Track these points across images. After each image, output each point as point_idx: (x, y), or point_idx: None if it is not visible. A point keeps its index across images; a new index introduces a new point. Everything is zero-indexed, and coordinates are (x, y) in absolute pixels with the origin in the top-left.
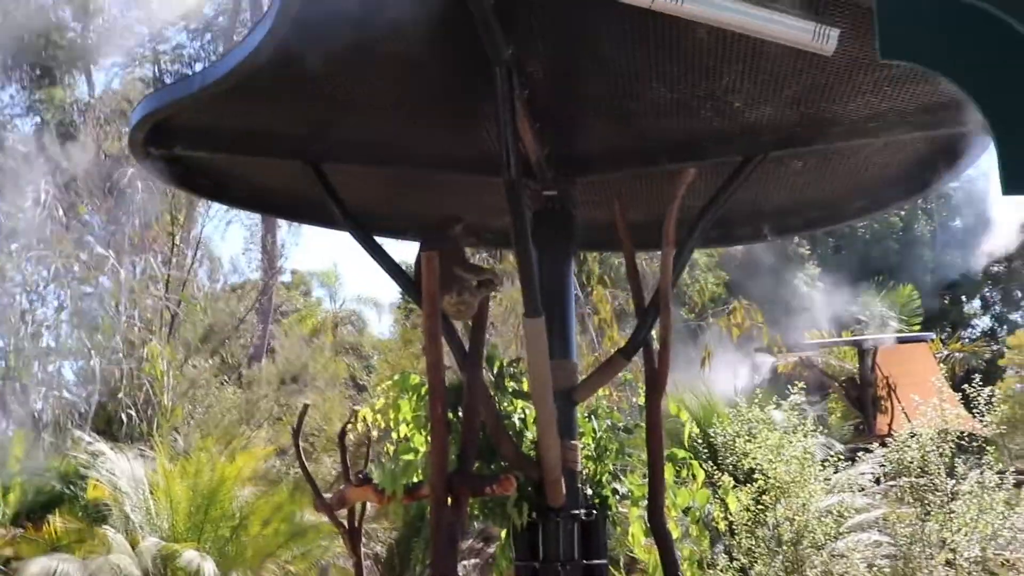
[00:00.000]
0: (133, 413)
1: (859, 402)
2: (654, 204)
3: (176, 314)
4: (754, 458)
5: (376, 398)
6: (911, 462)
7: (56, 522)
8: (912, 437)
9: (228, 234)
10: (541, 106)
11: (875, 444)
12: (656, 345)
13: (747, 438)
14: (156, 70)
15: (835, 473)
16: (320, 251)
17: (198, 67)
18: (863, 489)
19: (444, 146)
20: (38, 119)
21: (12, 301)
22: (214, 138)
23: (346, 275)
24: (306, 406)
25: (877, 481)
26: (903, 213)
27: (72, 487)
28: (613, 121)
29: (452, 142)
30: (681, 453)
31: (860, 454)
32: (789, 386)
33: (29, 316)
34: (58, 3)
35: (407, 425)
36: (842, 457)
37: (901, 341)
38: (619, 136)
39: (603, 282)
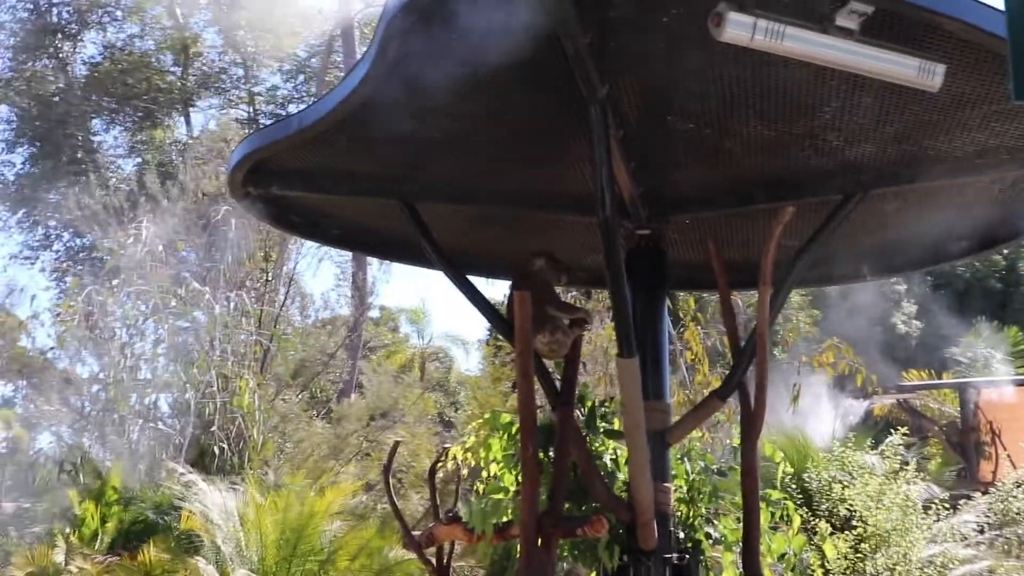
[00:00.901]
0: (225, 446)
1: (960, 447)
2: (750, 243)
3: (268, 349)
4: (852, 504)
5: (465, 436)
6: (1018, 512)
7: (150, 551)
8: (1018, 487)
9: (320, 271)
10: (635, 145)
11: (978, 492)
12: (752, 386)
13: (844, 483)
14: (251, 111)
15: (937, 521)
16: (408, 289)
17: (292, 108)
18: (966, 539)
19: (536, 185)
20: (139, 159)
21: (113, 335)
22: (309, 178)
23: (433, 312)
24: (396, 443)
25: (981, 531)
26: (1006, 252)
27: (166, 518)
28: (708, 159)
29: (545, 181)
30: (776, 494)
31: (962, 502)
32: (892, 430)
33: (128, 349)
34: (159, 47)
35: (497, 464)
36: (945, 505)
37: (1006, 384)
38: (713, 174)
39: (696, 320)
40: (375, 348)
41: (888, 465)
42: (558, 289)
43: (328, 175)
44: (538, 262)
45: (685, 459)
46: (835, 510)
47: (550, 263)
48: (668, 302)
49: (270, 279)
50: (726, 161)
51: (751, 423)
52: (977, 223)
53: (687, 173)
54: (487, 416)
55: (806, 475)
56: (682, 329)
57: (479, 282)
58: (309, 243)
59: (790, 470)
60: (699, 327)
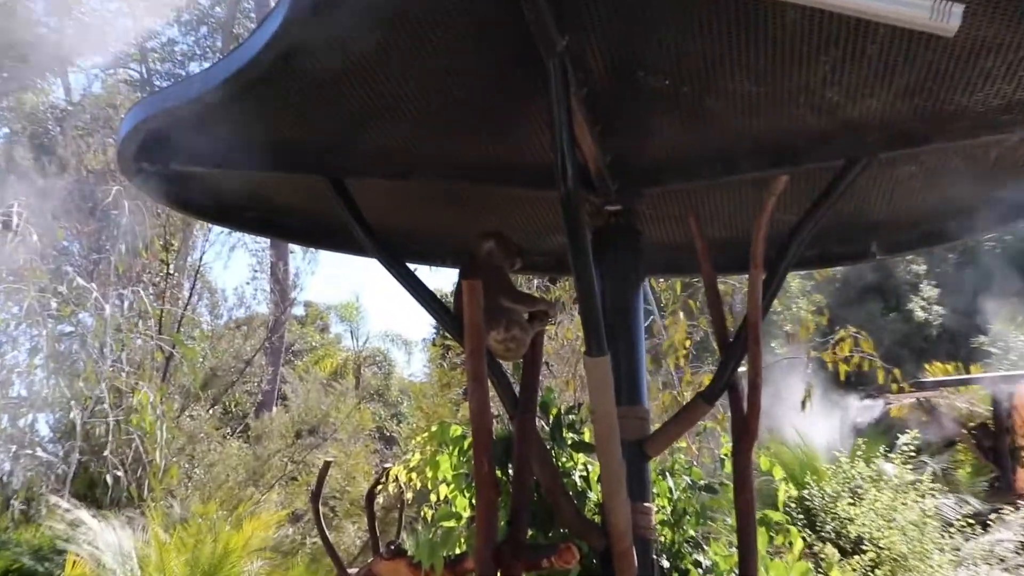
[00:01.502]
0: (120, 474)
1: (994, 453)
2: (738, 219)
3: (171, 356)
4: (862, 524)
5: (409, 453)
6: None
7: None
8: None
9: (232, 262)
10: (602, 106)
11: (1015, 504)
12: (744, 386)
13: (851, 499)
14: (144, 71)
15: (966, 541)
16: (339, 281)
17: (194, 67)
18: (1003, 561)
19: (487, 156)
20: (6, 130)
21: None
22: (217, 150)
23: (369, 308)
24: (327, 463)
25: (1020, 550)
26: None
27: (47, 564)
28: (686, 121)
29: (496, 151)
30: (776, 516)
31: (996, 517)
32: (905, 432)
33: None
34: None
35: (447, 485)
36: (971, 522)
37: None
38: (694, 139)
39: (687, 310)
40: (300, 352)
41: (901, 474)
42: (519, 280)
43: (240, 147)
44: (486, 244)
45: (667, 474)
46: (843, 530)
47: (500, 245)
48: (646, 289)
49: (172, 272)
50: (708, 123)
51: (744, 430)
52: (1005, 190)
53: (663, 138)
54: (434, 429)
55: (808, 491)
56: (664, 321)
57: (422, 271)
58: (218, 229)
59: (793, 492)
60: (687, 319)
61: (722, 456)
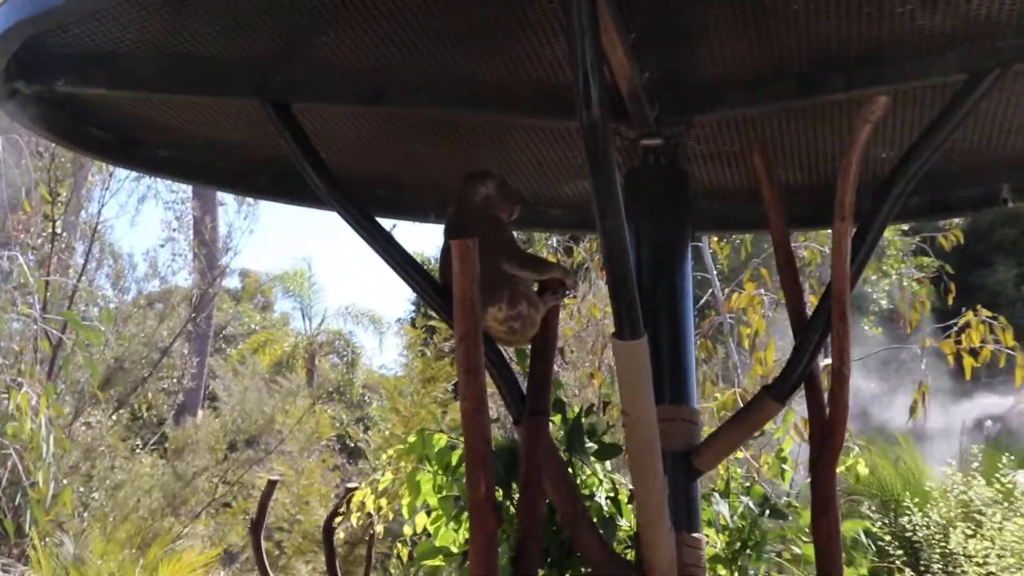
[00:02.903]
0: None
1: None
2: (818, 158)
3: (60, 343)
4: (983, 560)
5: (379, 470)
6: None
7: None
8: None
9: (141, 217)
10: (637, 5)
11: None
12: (826, 379)
13: (969, 528)
14: None
15: None
16: (285, 243)
17: None
18: None
19: (481, 73)
20: None
21: None
22: (119, 64)
23: (326, 278)
24: (271, 484)
25: None
26: None
27: None
28: (752, 24)
29: (494, 67)
30: (864, 542)
31: None
32: None
33: None
34: None
35: (429, 513)
36: None
37: None
38: (761, 48)
39: (758, 279)
40: (234, 337)
41: None
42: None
43: (150, 60)
44: (481, 188)
45: (717, 497)
46: (956, 570)
47: (500, 191)
48: (700, 251)
49: (60, 232)
50: (780, 26)
51: (826, 436)
52: None
53: (718, 47)
54: (412, 438)
55: (911, 518)
56: (728, 292)
57: (397, 229)
58: (122, 173)
59: (890, 515)
60: (760, 289)
61: (782, 467)
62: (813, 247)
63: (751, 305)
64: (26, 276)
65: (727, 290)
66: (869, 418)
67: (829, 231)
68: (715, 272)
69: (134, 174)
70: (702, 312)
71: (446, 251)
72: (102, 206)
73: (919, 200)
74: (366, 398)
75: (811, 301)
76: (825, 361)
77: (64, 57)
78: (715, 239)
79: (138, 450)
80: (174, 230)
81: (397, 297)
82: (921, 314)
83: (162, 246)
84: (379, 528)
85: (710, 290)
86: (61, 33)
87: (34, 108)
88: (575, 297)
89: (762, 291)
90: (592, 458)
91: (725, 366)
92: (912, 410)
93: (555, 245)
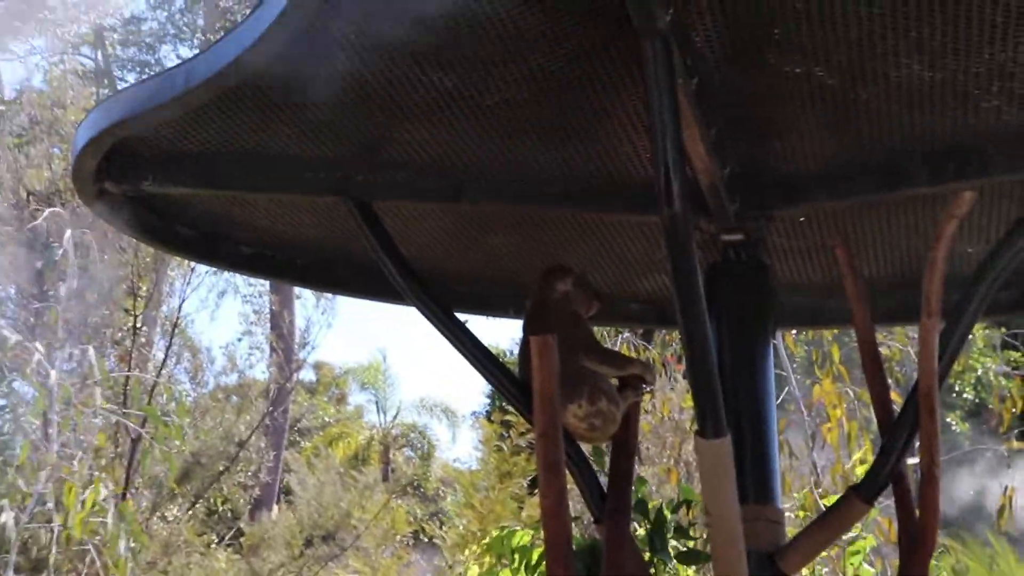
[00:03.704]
0: None
1: None
2: (902, 252)
3: (139, 438)
4: None
5: (455, 566)
6: None
7: None
8: None
9: (220, 313)
10: (718, 102)
11: None
12: (914, 477)
13: None
14: (101, 57)
15: None
16: (362, 337)
17: (168, 53)
18: None
19: (561, 170)
20: None
21: None
22: (204, 166)
23: (401, 372)
24: None
25: None
26: None
27: None
28: (834, 120)
29: (575, 163)
30: None
31: None
32: None
33: None
34: None
35: None
36: None
37: None
38: (844, 143)
39: (836, 374)
40: (309, 430)
41: None
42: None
43: (234, 162)
44: (560, 284)
45: None
46: None
47: (579, 286)
48: (778, 348)
49: (140, 326)
50: (863, 122)
51: (916, 539)
52: None
53: (800, 143)
54: (494, 536)
55: None
56: (810, 386)
57: (474, 323)
58: (202, 269)
59: None
60: (841, 385)
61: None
62: (894, 346)
63: (832, 402)
64: (103, 371)
65: (808, 382)
66: (957, 516)
67: (910, 327)
68: (791, 369)
69: (214, 270)
70: (780, 408)
71: (525, 346)
72: (183, 301)
73: (1008, 295)
74: (440, 492)
75: (894, 397)
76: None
77: (151, 158)
78: (791, 335)
79: (214, 545)
80: (252, 323)
81: (472, 390)
82: (1013, 410)
83: (240, 340)
84: None
85: (786, 388)
86: (151, 136)
87: (123, 208)
88: (652, 392)
89: (843, 386)
90: (675, 560)
91: (804, 465)
92: (1000, 514)
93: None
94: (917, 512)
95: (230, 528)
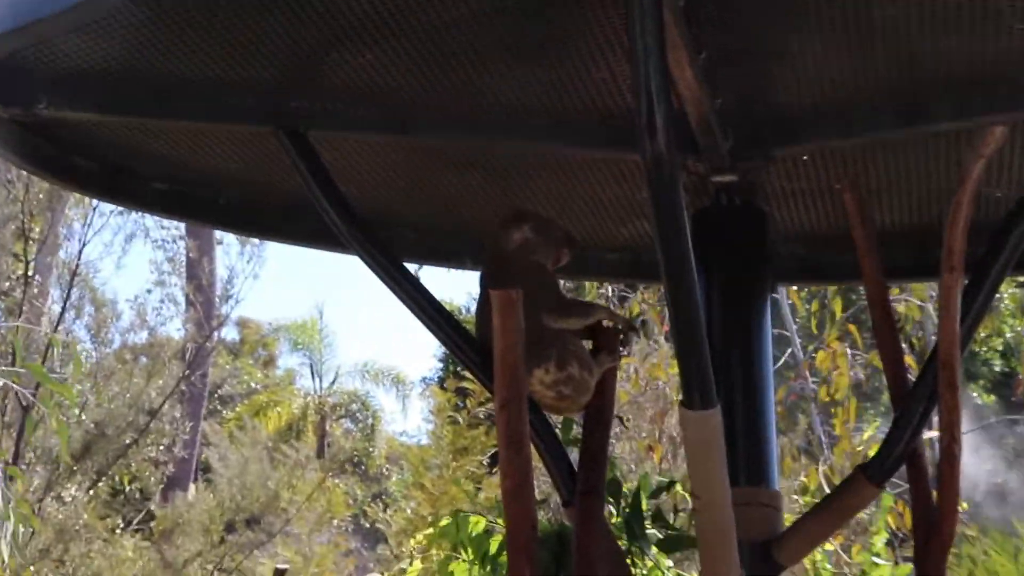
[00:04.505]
0: None
1: None
2: (920, 198)
3: (31, 406)
4: None
5: (405, 558)
6: None
7: None
8: None
9: (128, 259)
10: (711, 22)
11: None
12: (932, 457)
13: None
14: None
15: None
16: (293, 290)
17: None
18: None
19: (525, 99)
20: None
21: None
22: (109, 89)
23: (340, 330)
24: (278, 573)
25: None
26: None
27: None
28: (844, 45)
29: (541, 91)
30: None
31: None
32: None
33: None
34: None
35: None
36: None
37: None
38: (855, 72)
39: (844, 336)
40: (233, 398)
41: None
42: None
43: (145, 81)
44: (516, 232)
45: None
46: None
47: (539, 231)
48: (780, 305)
49: (32, 275)
50: (877, 47)
51: (934, 525)
52: None
53: (805, 70)
54: (444, 522)
55: None
56: (813, 353)
57: (425, 274)
58: (106, 208)
59: None
60: (848, 348)
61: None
62: (911, 302)
63: (837, 366)
64: None
65: (811, 347)
66: (982, 501)
67: (932, 283)
68: (795, 328)
69: (121, 209)
70: (780, 375)
71: (484, 303)
72: (83, 245)
73: None
74: (385, 471)
75: (909, 364)
76: (929, 434)
77: (47, 76)
78: (795, 290)
79: (120, 531)
80: (165, 273)
81: (422, 354)
82: None
83: (150, 292)
84: None
85: (789, 350)
86: (44, 49)
87: (9, 135)
88: (631, 356)
89: (848, 349)
90: (654, 548)
91: (807, 439)
92: None
93: (608, 295)
94: (934, 495)
95: (139, 511)
